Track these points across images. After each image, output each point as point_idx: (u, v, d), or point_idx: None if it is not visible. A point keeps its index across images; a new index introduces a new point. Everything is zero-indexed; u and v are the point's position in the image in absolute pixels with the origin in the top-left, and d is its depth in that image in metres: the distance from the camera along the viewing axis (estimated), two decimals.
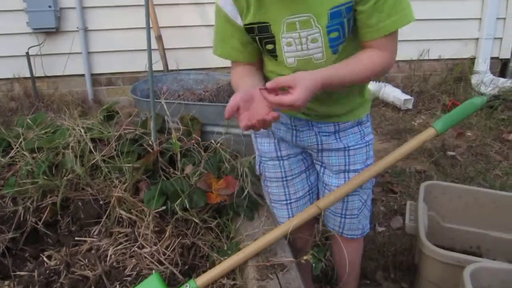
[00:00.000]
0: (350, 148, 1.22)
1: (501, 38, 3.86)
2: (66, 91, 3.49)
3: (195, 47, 3.45)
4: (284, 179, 1.29)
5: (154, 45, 3.20)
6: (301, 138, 1.22)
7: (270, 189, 1.33)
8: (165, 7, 3.31)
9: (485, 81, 3.66)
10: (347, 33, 1.02)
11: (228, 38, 1.12)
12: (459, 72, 3.75)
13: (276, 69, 1.12)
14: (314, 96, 0.96)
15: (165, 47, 3.25)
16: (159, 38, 3.17)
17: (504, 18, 3.80)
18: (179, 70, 3.42)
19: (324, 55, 1.04)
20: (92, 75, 3.48)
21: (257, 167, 1.34)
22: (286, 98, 0.91)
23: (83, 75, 3.45)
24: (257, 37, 1.05)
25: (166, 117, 1.60)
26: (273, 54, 1.07)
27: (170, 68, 3.30)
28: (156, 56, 3.21)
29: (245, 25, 1.05)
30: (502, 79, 3.71)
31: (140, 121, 1.68)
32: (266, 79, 1.15)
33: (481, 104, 1.28)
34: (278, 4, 1.00)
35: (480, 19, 3.76)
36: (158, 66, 3.25)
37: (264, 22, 1.03)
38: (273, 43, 1.05)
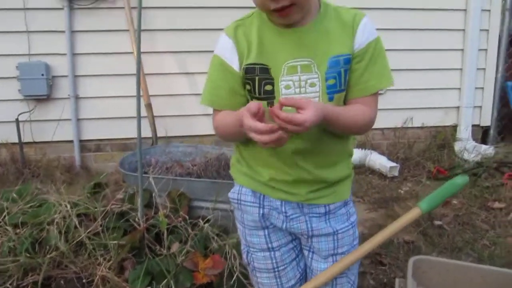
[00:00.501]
0: (339, 231, 1.22)
1: (480, 107, 4.00)
2: (54, 157, 3.48)
3: (184, 115, 3.51)
4: (276, 269, 1.25)
5: (144, 112, 3.26)
6: (292, 224, 1.21)
7: (260, 279, 1.28)
8: (156, 76, 3.40)
9: (468, 148, 3.75)
10: (343, 83, 1.08)
11: (219, 86, 1.14)
12: (442, 139, 3.85)
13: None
14: (313, 159, 1.07)
15: (155, 114, 3.30)
16: (148, 106, 3.23)
17: (482, 88, 3.97)
18: (168, 137, 3.46)
19: (320, 100, 1.08)
20: (80, 141, 3.49)
21: (244, 256, 1.30)
22: (298, 116, 0.92)
23: (71, 141, 3.47)
24: (256, 77, 1.07)
25: (153, 193, 1.60)
26: (270, 95, 1.09)
27: (159, 135, 3.33)
28: (145, 123, 3.26)
29: (246, 65, 1.08)
30: (484, 146, 3.81)
31: (127, 196, 1.68)
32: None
33: (464, 183, 1.30)
34: (282, 48, 1.06)
35: (459, 88, 3.91)
36: (147, 132, 3.29)
37: (264, 65, 1.07)
38: (272, 84, 1.08)
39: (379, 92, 1.12)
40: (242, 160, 1.22)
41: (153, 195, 1.59)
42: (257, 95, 1.09)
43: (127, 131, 3.41)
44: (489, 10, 3.82)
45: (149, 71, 3.34)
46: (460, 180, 1.29)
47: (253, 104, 0.95)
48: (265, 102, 1.08)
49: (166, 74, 3.46)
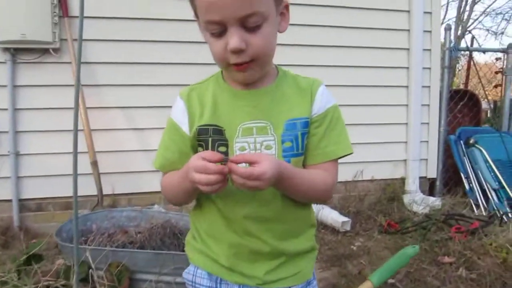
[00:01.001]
0: None
1: (426, 159, 4.14)
2: None
3: (132, 171, 3.40)
4: None
5: (89, 170, 3.13)
6: None
7: None
8: (102, 132, 3.30)
9: (417, 200, 3.83)
10: (300, 147, 1.05)
11: (169, 149, 1.11)
12: (391, 192, 3.92)
13: None
14: (268, 227, 1.03)
15: (101, 171, 3.17)
16: (94, 164, 3.10)
17: (427, 141, 4.12)
18: (115, 194, 3.33)
19: None
20: (20, 200, 3.28)
21: None
22: (255, 169, 0.89)
23: (10, 201, 3.25)
24: (210, 139, 1.04)
25: (91, 267, 1.48)
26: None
27: (105, 193, 3.19)
28: (91, 181, 3.13)
29: (199, 126, 1.05)
30: (431, 198, 3.91)
31: (63, 270, 1.55)
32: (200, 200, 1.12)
33: (414, 253, 1.30)
34: (238, 110, 1.05)
35: (406, 142, 4.04)
36: (92, 190, 3.15)
37: (218, 126, 1.04)
38: (226, 146, 1.04)
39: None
40: (197, 235, 1.15)
41: (90, 269, 1.48)
42: None
43: (71, 189, 3.22)
44: (429, 68, 4.04)
45: (96, 127, 3.23)
46: (411, 250, 1.29)
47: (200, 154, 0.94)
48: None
49: (113, 130, 3.37)
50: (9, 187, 3.23)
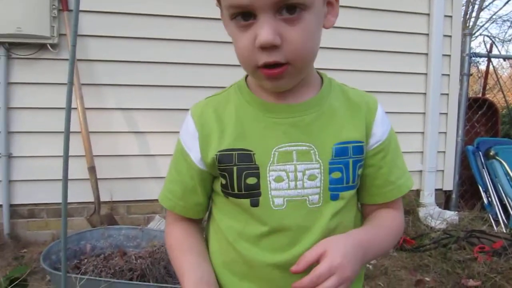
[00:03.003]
0: None
1: (442, 171, 3.92)
2: None
3: (132, 177, 3.18)
4: None
5: (86, 175, 2.91)
6: None
7: None
8: (101, 135, 3.08)
9: (433, 214, 3.61)
10: (352, 177, 0.83)
11: (174, 180, 0.88)
12: (406, 205, 3.69)
13: (240, 225, 0.83)
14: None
15: (98, 176, 2.95)
16: (91, 170, 2.88)
17: (444, 152, 3.91)
18: (113, 202, 3.11)
19: (320, 199, 0.81)
20: (11, 205, 3.06)
21: None
22: (321, 267, 0.70)
23: (0, 206, 3.03)
24: (235, 168, 0.80)
25: None
26: (254, 191, 0.81)
27: (103, 199, 2.98)
28: (88, 187, 2.91)
29: (220, 151, 0.81)
30: (448, 212, 3.70)
31: None
32: (216, 239, 0.89)
33: None
34: (271, 129, 0.81)
35: (422, 152, 3.83)
36: (89, 197, 2.93)
37: (246, 150, 0.81)
38: (257, 176, 0.80)
39: None
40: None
41: None
42: (235, 191, 0.81)
43: None
44: (448, 75, 3.83)
45: (94, 129, 3.01)
46: None
47: None
48: (246, 202, 0.81)
49: (113, 133, 3.14)
50: (0, 191, 3.01)
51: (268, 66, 0.73)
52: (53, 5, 2.92)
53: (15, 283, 1.37)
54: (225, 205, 0.86)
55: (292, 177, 0.80)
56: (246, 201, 0.81)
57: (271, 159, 0.80)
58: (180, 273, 0.83)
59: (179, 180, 0.88)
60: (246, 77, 0.88)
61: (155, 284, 1.32)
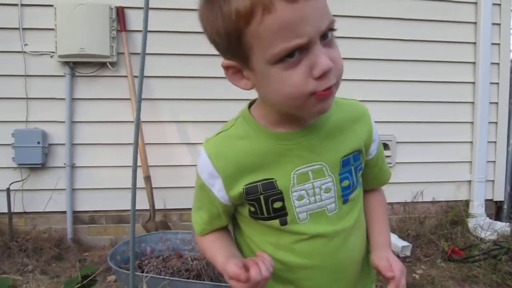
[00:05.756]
0: None
1: (493, 181, 3.85)
2: (45, 228, 3.28)
3: (184, 186, 3.34)
4: None
5: (142, 184, 3.10)
6: None
7: None
8: (156, 146, 3.27)
9: (483, 225, 3.55)
10: (355, 180, 0.95)
11: (202, 207, 0.99)
12: (454, 215, 3.66)
13: (273, 238, 0.94)
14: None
15: (153, 186, 3.14)
16: (147, 179, 3.07)
17: (494, 162, 3.83)
18: (167, 209, 3.29)
19: (336, 206, 0.93)
20: (74, 212, 3.30)
21: None
22: (400, 279, 0.89)
23: (64, 212, 3.28)
24: (261, 196, 0.89)
25: None
26: (281, 212, 0.90)
27: (157, 207, 3.16)
28: (143, 195, 3.10)
29: (246, 185, 0.89)
30: (499, 223, 3.62)
31: None
32: (249, 250, 0.98)
33: None
34: (287, 155, 0.89)
35: (470, 162, 3.78)
36: (145, 205, 3.12)
37: (267, 179, 0.89)
38: (282, 200, 0.89)
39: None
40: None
41: None
42: (264, 215, 0.91)
43: (123, 203, 3.22)
44: (497, 83, 3.77)
45: (150, 141, 3.21)
46: None
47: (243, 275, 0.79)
48: (276, 222, 0.91)
49: (166, 144, 3.34)
50: (64, 198, 3.26)
51: (326, 91, 0.77)
52: (112, 26, 3.16)
53: (89, 278, 1.53)
54: (255, 224, 0.96)
55: (311, 194, 0.90)
56: (276, 222, 0.91)
57: (292, 182, 0.89)
58: (214, 259, 0.94)
59: (205, 209, 0.98)
60: (249, 107, 0.94)
61: (211, 283, 1.44)
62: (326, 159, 0.90)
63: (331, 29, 0.76)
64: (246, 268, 0.80)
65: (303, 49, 0.74)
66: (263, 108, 0.90)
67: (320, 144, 0.90)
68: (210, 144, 0.93)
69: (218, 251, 0.94)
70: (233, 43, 0.77)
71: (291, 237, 0.91)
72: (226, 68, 0.85)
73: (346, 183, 0.93)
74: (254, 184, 0.89)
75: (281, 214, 0.91)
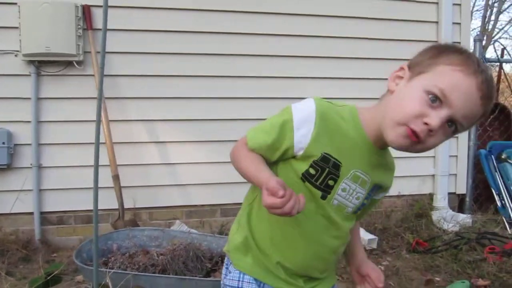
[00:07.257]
0: None
1: (455, 174, 3.99)
2: (11, 230, 3.23)
3: (153, 185, 3.36)
4: None
5: (110, 183, 3.09)
6: None
7: None
8: (124, 145, 3.27)
9: (446, 217, 3.68)
10: (365, 204, 1.16)
11: (270, 135, 1.06)
12: (419, 208, 3.78)
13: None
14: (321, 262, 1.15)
15: (122, 185, 3.13)
16: (116, 178, 3.06)
17: (456, 156, 3.97)
18: (136, 208, 3.29)
19: (351, 211, 1.14)
20: (41, 213, 3.26)
21: None
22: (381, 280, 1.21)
23: (31, 213, 3.24)
24: (327, 169, 1.05)
25: None
26: (327, 190, 1.07)
27: (126, 206, 3.15)
28: (112, 194, 3.09)
29: (326, 153, 1.04)
30: (462, 215, 3.75)
31: None
32: (267, 219, 1.13)
33: None
34: (358, 155, 1.07)
35: (434, 156, 3.90)
36: (113, 204, 3.11)
37: (338, 161, 1.05)
38: (335, 181, 1.07)
39: None
40: (253, 242, 1.15)
41: None
42: (317, 183, 1.06)
43: (92, 203, 3.19)
44: None
45: (118, 140, 3.21)
46: (460, 286, 1.24)
47: (281, 192, 0.89)
48: (319, 193, 1.07)
49: (135, 143, 3.34)
50: (31, 199, 3.22)
51: (414, 132, 0.95)
52: (78, 25, 3.13)
53: (53, 274, 1.54)
54: (295, 183, 1.07)
55: (350, 192, 1.10)
56: (319, 193, 1.07)
57: (349, 175, 1.08)
58: (258, 171, 1.04)
59: (273, 137, 1.05)
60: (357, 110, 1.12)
61: (175, 276, 1.47)
62: (373, 178, 1.11)
63: (461, 121, 0.97)
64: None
65: (440, 101, 0.94)
66: (375, 114, 1.07)
67: (378, 166, 1.11)
68: (323, 103, 1.06)
69: (265, 167, 1.05)
70: (426, 64, 1.02)
71: (317, 209, 1.08)
72: (402, 69, 1.06)
73: (364, 201, 1.14)
74: (330, 157, 1.04)
75: (327, 190, 1.08)
